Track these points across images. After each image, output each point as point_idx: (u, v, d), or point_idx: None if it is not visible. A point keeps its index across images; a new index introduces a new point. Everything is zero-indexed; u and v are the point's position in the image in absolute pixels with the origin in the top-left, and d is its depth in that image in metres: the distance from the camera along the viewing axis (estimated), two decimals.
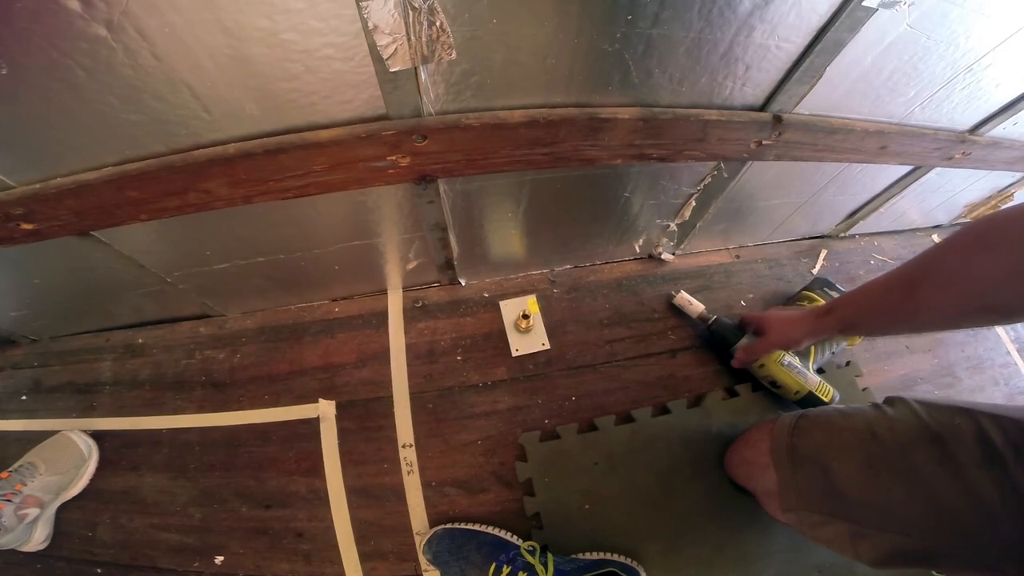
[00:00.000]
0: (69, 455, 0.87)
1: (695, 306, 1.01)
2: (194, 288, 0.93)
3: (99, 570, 0.84)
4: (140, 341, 1.04)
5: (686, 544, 0.84)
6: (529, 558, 0.75)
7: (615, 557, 0.80)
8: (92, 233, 0.72)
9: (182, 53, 0.49)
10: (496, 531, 0.81)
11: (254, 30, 0.49)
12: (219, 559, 0.84)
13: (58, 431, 0.91)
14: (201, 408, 0.97)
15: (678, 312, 1.06)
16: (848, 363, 1.04)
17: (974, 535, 0.52)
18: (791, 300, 1.06)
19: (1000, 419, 0.55)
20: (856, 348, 1.07)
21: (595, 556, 0.80)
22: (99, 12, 0.44)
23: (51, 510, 0.85)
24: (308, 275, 0.95)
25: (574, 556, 0.80)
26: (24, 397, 1.00)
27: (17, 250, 0.70)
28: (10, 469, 0.83)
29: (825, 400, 0.91)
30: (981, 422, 0.56)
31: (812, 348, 0.95)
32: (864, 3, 0.58)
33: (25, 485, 0.81)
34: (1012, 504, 0.51)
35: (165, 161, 0.60)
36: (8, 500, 0.78)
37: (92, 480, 0.91)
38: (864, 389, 1.01)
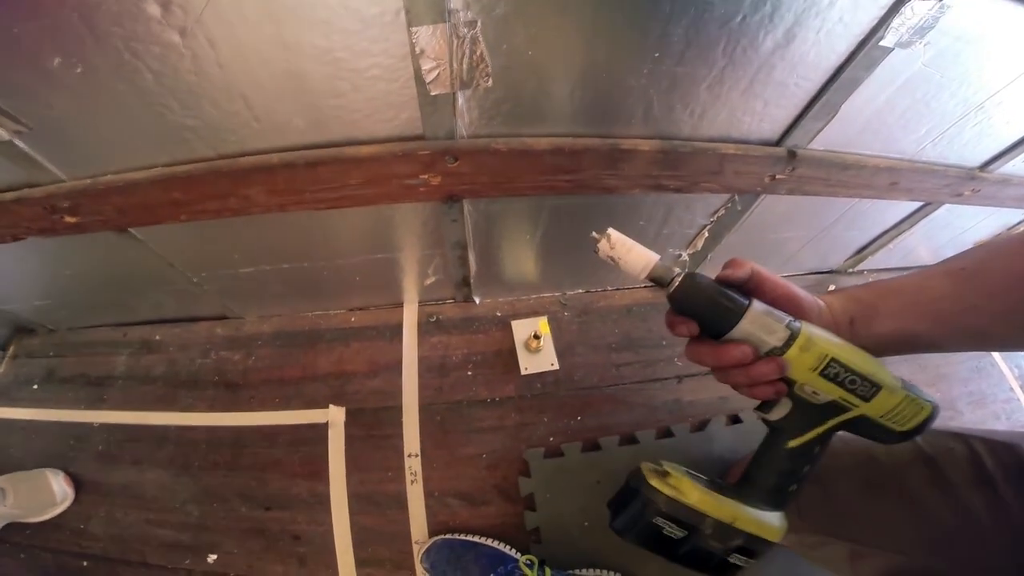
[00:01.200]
0: (42, 497, 0.86)
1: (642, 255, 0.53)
2: (217, 289, 0.95)
3: (85, 563, 0.85)
4: (157, 338, 1.06)
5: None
6: (527, 571, 0.76)
7: (611, 574, 0.81)
8: (130, 230, 0.75)
9: (243, 63, 0.53)
10: (495, 544, 0.82)
11: (310, 47, 0.52)
12: (212, 558, 0.85)
13: (61, 421, 0.94)
14: (211, 407, 0.98)
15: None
16: None
17: (966, 554, 0.53)
18: None
19: (991, 442, 0.56)
20: None
21: (593, 572, 0.81)
22: (176, 18, 0.47)
23: None
24: (328, 284, 0.97)
25: (572, 572, 0.80)
26: (35, 386, 1.02)
27: (54, 241, 0.73)
28: None
29: None
30: (973, 445, 0.57)
31: None
32: (882, 43, 0.60)
33: None
34: (1001, 523, 0.52)
35: (212, 165, 0.63)
36: None
37: (93, 473, 0.92)
38: None
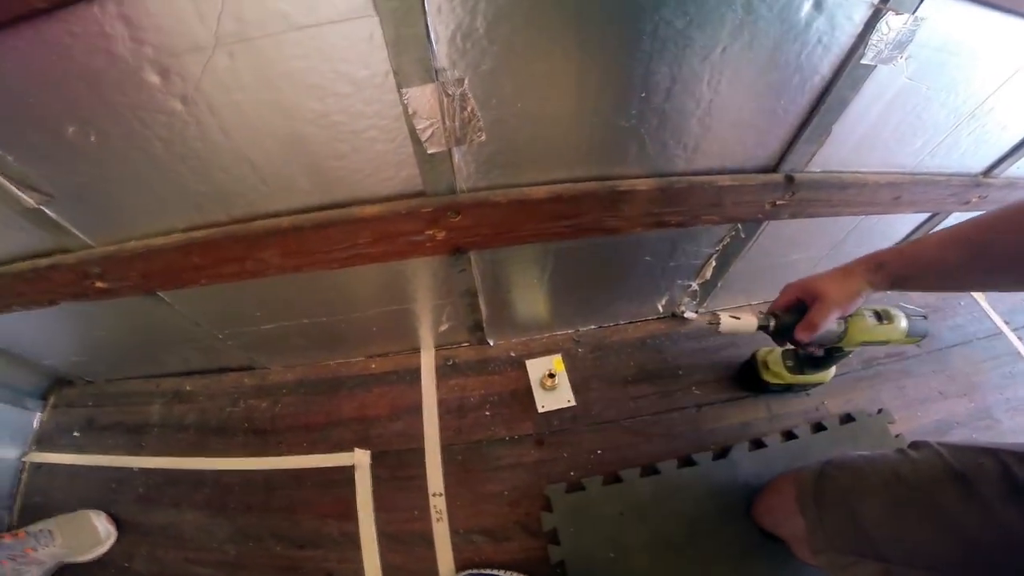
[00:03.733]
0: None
1: (746, 320, 0.80)
2: (241, 344, 1.00)
3: None
4: (188, 388, 1.11)
5: None
6: None
7: None
8: (157, 293, 0.80)
9: (246, 129, 0.56)
10: None
11: (308, 111, 0.56)
12: None
13: (102, 466, 0.99)
14: (243, 452, 1.02)
15: (704, 367, 1.08)
16: (880, 411, 1.03)
17: (1003, 568, 0.52)
18: None
19: (1023, 456, 0.55)
20: (887, 394, 1.07)
21: None
22: (175, 87, 0.51)
23: (49, 570, 0.89)
24: (347, 335, 1.01)
25: None
26: (76, 433, 1.07)
27: (87, 304, 0.78)
28: (28, 530, 0.87)
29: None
30: (1005, 460, 0.56)
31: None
32: (863, 60, 0.61)
33: (36, 551, 0.85)
34: None
35: (228, 230, 0.67)
36: (13, 559, 0.82)
37: (134, 514, 0.96)
38: (897, 436, 1.00)
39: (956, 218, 1.01)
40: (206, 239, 0.67)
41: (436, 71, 0.53)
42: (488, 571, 0.84)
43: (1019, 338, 1.19)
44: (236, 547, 0.92)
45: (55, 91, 0.50)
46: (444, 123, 0.58)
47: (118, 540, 0.93)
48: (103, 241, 0.70)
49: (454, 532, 0.90)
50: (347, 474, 0.97)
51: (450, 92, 0.55)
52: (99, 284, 0.73)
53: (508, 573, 0.83)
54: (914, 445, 0.67)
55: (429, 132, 0.59)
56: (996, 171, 0.89)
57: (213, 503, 0.96)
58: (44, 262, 0.70)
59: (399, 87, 0.54)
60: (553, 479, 0.94)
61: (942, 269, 0.64)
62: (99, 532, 0.90)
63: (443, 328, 1.04)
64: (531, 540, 0.89)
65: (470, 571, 0.84)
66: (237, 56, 0.50)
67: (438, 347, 1.12)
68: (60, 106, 0.52)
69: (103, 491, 0.99)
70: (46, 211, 0.63)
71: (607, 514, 0.89)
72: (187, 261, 0.70)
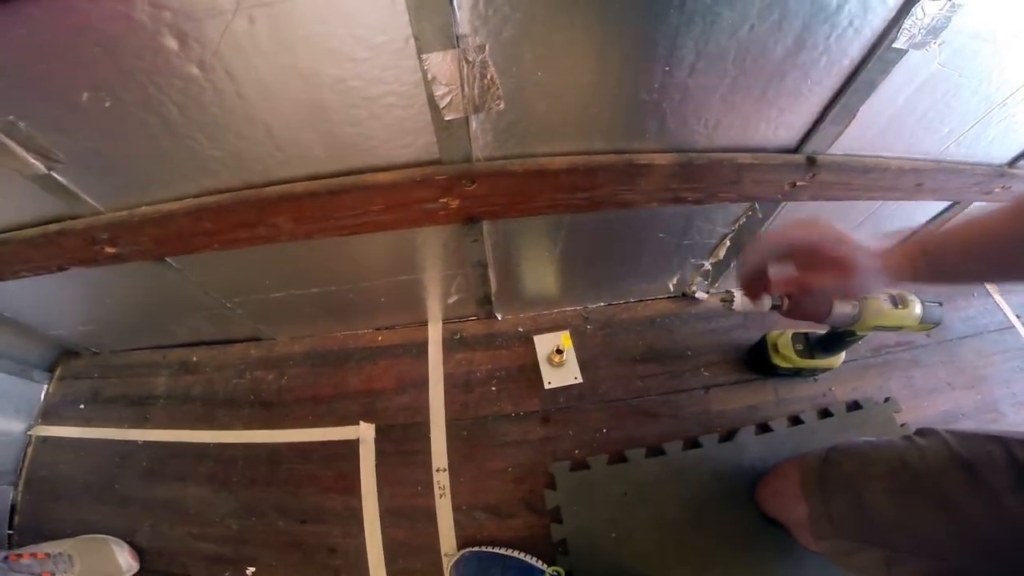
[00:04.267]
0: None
1: (761, 301, 0.73)
2: (250, 313, 0.99)
3: None
4: (195, 359, 1.10)
5: (714, 574, 0.84)
6: None
7: None
8: (167, 259, 0.79)
9: (263, 94, 0.55)
10: (523, 556, 0.83)
11: (326, 76, 0.54)
12: (251, 570, 0.88)
13: (108, 439, 0.98)
14: (248, 425, 1.02)
15: (713, 348, 1.07)
16: (887, 399, 1.03)
17: (1009, 558, 0.52)
18: None
19: None
20: (895, 383, 1.06)
21: None
22: (193, 52, 0.50)
23: None
24: (355, 305, 1.00)
25: None
26: (82, 406, 1.07)
27: (95, 271, 0.77)
28: (49, 551, 0.85)
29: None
30: (1012, 448, 0.55)
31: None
32: (895, 45, 0.59)
33: None
34: None
35: (240, 196, 0.66)
36: None
37: (138, 489, 0.96)
38: (903, 425, 1.00)
39: (978, 208, 1.00)
40: (218, 204, 0.66)
41: (457, 37, 0.52)
42: (490, 548, 0.84)
43: None
44: (239, 522, 0.92)
45: (71, 57, 0.49)
46: (463, 90, 0.57)
47: (122, 516, 0.93)
48: (113, 207, 0.69)
49: (457, 508, 0.91)
50: (351, 448, 0.97)
51: (470, 59, 0.54)
52: (108, 249, 0.72)
53: (510, 551, 0.84)
54: (920, 432, 0.66)
55: (448, 99, 0.57)
56: (1022, 163, 0.87)
57: (217, 477, 0.97)
58: (53, 228, 0.69)
59: (419, 52, 0.53)
60: (558, 457, 0.95)
61: (968, 265, 0.55)
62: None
63: (452, 300, 1.04)
64: (534, 518, 0.90)
65: (472, 548, 0.84)
66: (256, 20, 0.48)
67: (446, 320, 1.12)
68: (75, 72, 0.51)
69: (108, 465, 0.99)
70: (56, 176, 0.62)
71: (611, 494, 0.90)
72: (198, 226, 0.69)
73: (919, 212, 1.04)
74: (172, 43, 0.49)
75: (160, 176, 0.65)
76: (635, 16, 0.54)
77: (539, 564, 0.82)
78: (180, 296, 0.91)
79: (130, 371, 1.11)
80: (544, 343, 1.08)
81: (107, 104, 0.54)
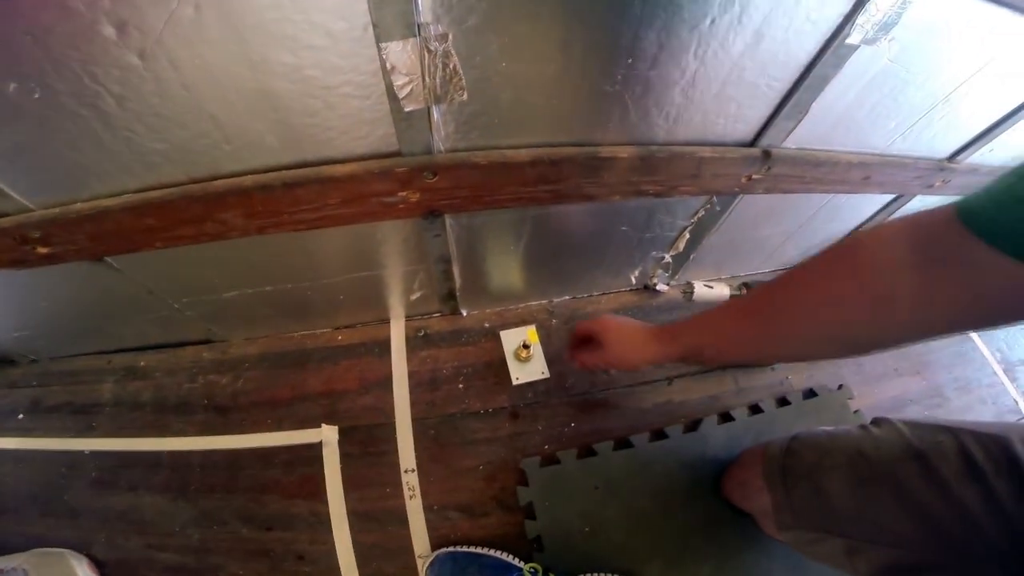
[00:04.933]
0: None
1: (718, 290, 0.89)
2: (200, 314, 0.94)
3: None
4: (142, 364, 1.04)
5: (685, 564, 0.85)
6: None
7: None
8: (105, 258, 0.74)
9: (209, 84, 0.52)
10: (498, 554, 0.82)
11: (278, 64, 0.52)
12: None
13: (51, 450, 0.91)
14: (203, 431, 0.97)
15: None
16: (841, 386, 1.07)
17: (960, 545, 0.54)
18: None
19: (980, 435, 0.57)
20: (847, 370, 1.11)
21: None
22: (133, 41, 0.47)
23: None
24: (313, 304, 0.97)
25: None
26: (21, 416, 1.00)
27: (27, 272, 0.72)
28: (2, 567, 0.81)
29: None
30: (962, 439, 0.58)
31: None
32: (848, 40, 0.61)
33: None
34: (994, 513, 0.53)
35: (185, 190, 0.62)
36: None
37: (89, 500, 0.91)
38: (856, 412, 1.03)
39: (920, 201, 1.05)
40: (162, 199, 0.62)
41: (419, 25, 0.50)
42: (465, 548, 0.83)
43: None
44: (200, 531, 0.88)
45: None
46: (424, 80, 0.55)
47: (74, 528, 0.87)
48: (44, 203, 0.64)
49: (428, 509, 0.89)
50: (315, 451, 0.94)
51: (432, 48, 0.52)
52: (41, 249, 0.67)
53: (485, 549, 0.83)
54: (876, 422, 0.69)
55: (408, 89, 0.55)
56: (960, 156, 0.92)
57: (173, 485, 0.91)
58: None
59: (378, 41, 0.51)
60: (528, 453, 0.94)
61: (737, 337, 0.66)
62: None
63: (414, 297, 1.01)
64: (507, 515, 0.89)
65: (447, 548, 0.83)
66: (203, 7, 0.45)
67: (409, 318, 1.09)
68: (2, 61, 0.47)
69: (52, 476, 0.93)
70: None
71: (582, 488, 0.90)
72: (140, 223, 0.65)
73: (865, 206, 1.08)
74: (110, 31, 0.45)
75: (97, 170, 0.60)
76: (600, 6, 0.53)
77: (516, 561, 0.81)
78: (123, 298, 0.85)
79: (72, 378, 1.04)
80: (511, 338, 1.07)
81: (36, 96, 0.50)
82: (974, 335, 1.22)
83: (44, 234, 0.65)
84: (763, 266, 1.22)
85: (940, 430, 0.60)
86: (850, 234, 1.05)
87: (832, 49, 0.62)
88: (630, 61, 0.59)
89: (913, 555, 0.57)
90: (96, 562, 0.85)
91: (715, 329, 0.69)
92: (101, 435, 0.97)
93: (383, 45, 0.51)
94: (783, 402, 1.04)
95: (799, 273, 0.57)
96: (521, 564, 0.80)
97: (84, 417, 0.99)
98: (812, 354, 0.64)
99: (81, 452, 0.95)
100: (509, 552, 0.82)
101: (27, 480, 0.93)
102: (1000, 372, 1.18)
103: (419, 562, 0.84)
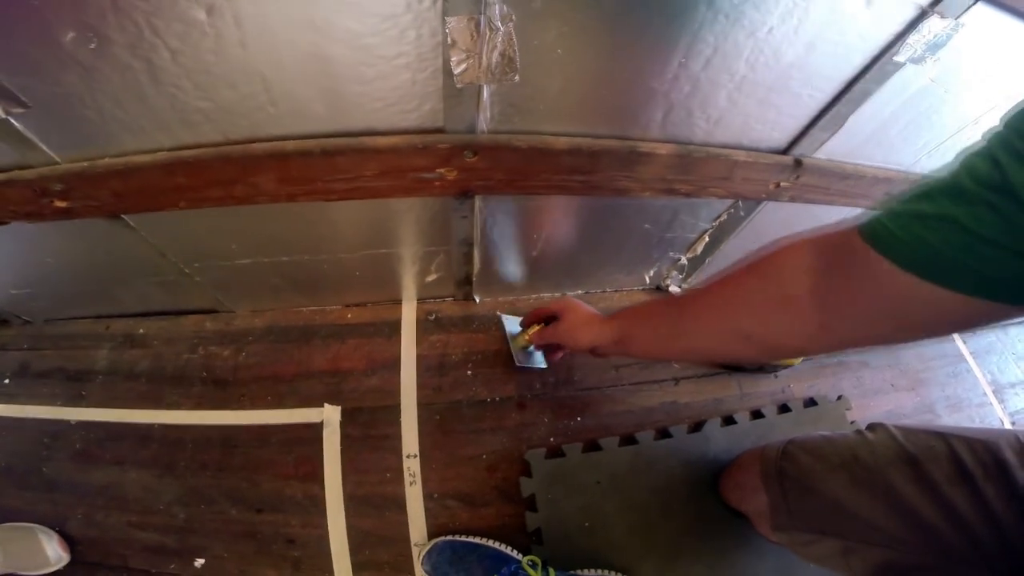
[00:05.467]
0: (35, 559, 0.79)
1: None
2: (210, 281, 0.92)
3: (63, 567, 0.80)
4: (141, 331, 1.01)
5: (681, 563, 0.86)
6: (531, 572, 0.76)
7: (613, 574, 0.81)
8: (123, 216, 0.71)
9: (267, 44, 0.51)
10: (497, 545, 0.82)
11: (341, 30, 0.50)
12: (199, 562, 0.82)
13: (36, 418, 0.88)
14: (199, 405, 0.94)
15: None
16: (840, 397, 1.10)
17: (950, 546, 0.55)
18: None
19: (971, 441, 0.59)
20: (846, 383, 1.13)
21: (595, 573, 0.81)
22: None
23: None
24: (327, 278, 0.95)
25: (574, 572, 0.80)
26: (7, 380, 0.96)
27: (37, 226, 0.69)
28: None
29: None
30: (953, 444, 0.59)
31: None
32: (895, 58, 0.62)
33: None
34: (983, 515, 0.54)
35: (222, 151, 0.60)
36: None
37: (70, 473, 0.87)
38: (852, 422, 1.06)
39: None
40: (196, 158, 0.60)
41: (485, 3, 0.49)
42: (463, 537, 0.82)
43: (963, 341, 1.29)
44: (186, 510, 0.85)
45: None
46: (481, 59, 0.54)
47: (50, 503, 0.85)
48: (72, 157, 0.61)
49: (428, 496, 0.88)
50: (315, 432, 0.92)
51: (494, 27, 0.52)
52: (58, 203, 0.64)
53: (484, 539, 0.82)
54: (871, 427, 0.70)
55: (463, 66, 0.55)
56: None
57: (161, 461, 0.89)
58: None
59: (444, 14, 0.50)
60: (533, 444, 0.94)
61: (654, 323, 0.72)
62: (49, 556, 0.79)
63: (430, 279, 1.00)
64: (508, 506, 0.88)
65: (445, 537, 0.82)
66: None
67: (421, 300, 1.08)
68: (67, 10, 0.45)
69: (34, 446, 0.90)
70: (13, 122, 0.55)
71: (585, 482, 0.90)
72: (169, 181, 0.63)
73: None
74: None
75: (134, 125, 0.58)
76: (664, 6, 0.53)
77: (514, 553, 0.81)
78: (132, 259, 0.82)
79: (67, 342, 1.00)
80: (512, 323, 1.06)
81: (92, 46, 0.48)
82: (968, 357, 1.26)
83: (66, 188, 0.62)
84: None
85: (932, 436, 0.62)
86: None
87: (878, 65, 0.63)
88: (683, 61, 0.60)
89: (906, 556, 0.59)
90: (69, 539, 0.82)
91: (639, 315, 0.76)
92: (91, 404, 0.94)
93: (448, 19, 0.50)
94: (784, 409, 1.05)
95: (719, 274, 0.62)
96: (519, 556, 0.80)
97: (75, 385, 0.96)
98: (721, 349, 0.65)
99: (67, 422, 0.92)
100: (508, 544, 0.82)
101: (6, 449, 0.90)
102: (990, 393, 1.22)
103: (415, 550, 0.83)
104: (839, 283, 0.47)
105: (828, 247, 0.50)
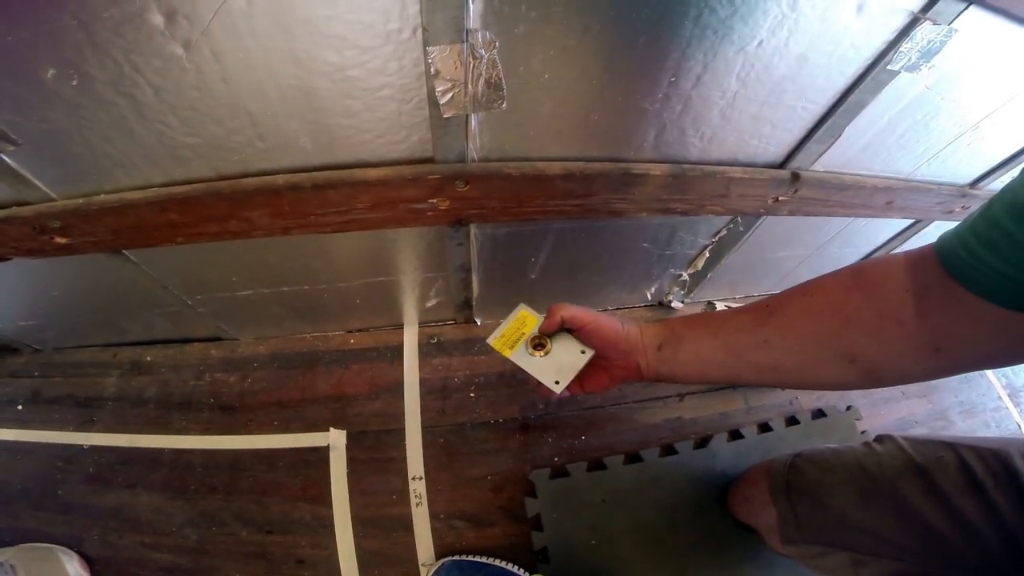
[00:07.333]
0: None
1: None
2: (212, 312, 0.93)
3: None
4: (148, 359, 1.03)
5: None
6: None
7: None
8: (124, 252, 0.72)
9: (250, 79, 0.51)
10: (504, 564, 0.81)
11: (323, 63, 0.51)
12: None
13: (49, 443, 0.89)
14: (207, 430, 0.95)
15: None
16: (849, 407, 1.08)
17: (961, 556, 0.54)
18: None
19: (980, 450, 0.58)
20: (855, 393, 1.11)
21: None
22: (180, 30, 0.45)
23: None
24: (328, 306, 0.95)
25: None
26: (20, 407, 0.98)
27: (42, 261, 0.70)
28: None
29: None
30: (962, 453, 0.58)
31: None
32: (889, 67, 0.61)
33: None
34: (994, 525, 0.53)
35: (212, 187, 0.61)
36: None
37: (84, 496, 0.89)
38: (863, 432, 1.04)
39: (937, 227, 1.05)
40: (188, 195, 0.61)
41: (467, 31, 0.49)
42: (469, 557, 0.82)
43: None
44: (198, 531, 0.86)
45: (40, 31, 0.44)
46: (467, 87, 0.54)
47: (65, 524, 0.85)
48: (67, 194, 0.62)
49: (434, 517, 0.88)
50: (321, 455, 0.92)
51: (478, 55, 0.52)
52: (59, 240, 0.66)
53: (491, 559, 0.82)
54: (879, 439, 0.69)
55: (449, 95, 0.55)
56: (982, 183, 0.92)
57: (172, 484, 0.90)
58: None
59: (426, 44, 0.50)
60: (537, 464, 0.93)
61: (723, 330, 0.61)
62: (69, 575, 0.80)
63: (430, 304, 1.00)
64: (514, 526, 0.88)
65: (452, 557, 0.82)
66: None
67: (422, 324, 1.08)
68: (43, 47, 0.45)
69: (48, 470, 0.91)
70: (7, 160, 0.56)
71: (590, 501, 0.89)
72: (163, 218, 0.63)
73: (883, 230, 1.09)
74: (158, 19, 0.44)
75: (124, 161, 0.59)
76: (650, 25, 0.53)
77: (521, 572, 0.80)
78: (136, 292, 0.84)
79: (76, 370, 1.02)
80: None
81: (73, 83, 0.48)
82: None
83: (64, 225, 0.63)
84: (776, 287, 1.22)
85: (941, 446, 0.61)
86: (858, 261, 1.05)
87: (872, 75, 0.62)
88: (673, 80, 0.59)
89: (916, 566, 0.58)
90: (87, 559, 0.83)
91: (694, 319, 0.64)
92: (101, 430, 0.95)
93: (430, 49, 0.50)
94: (792, 421, 1.04)
95: (805, 283, 0.58)
96: (527, 575, 0.80)
97: (85, 411, 0.97)
98: (812, 371, 0.55)
99: (79, 447, 0.93)
100: (514, 563, 0.82)
101: (21, 473, 0.91)
102: (1005, 397, 1.19)
103: (422, 570, 0.83)
104: (935, 306, 0.45)
105: (915, 267, 0.47)
